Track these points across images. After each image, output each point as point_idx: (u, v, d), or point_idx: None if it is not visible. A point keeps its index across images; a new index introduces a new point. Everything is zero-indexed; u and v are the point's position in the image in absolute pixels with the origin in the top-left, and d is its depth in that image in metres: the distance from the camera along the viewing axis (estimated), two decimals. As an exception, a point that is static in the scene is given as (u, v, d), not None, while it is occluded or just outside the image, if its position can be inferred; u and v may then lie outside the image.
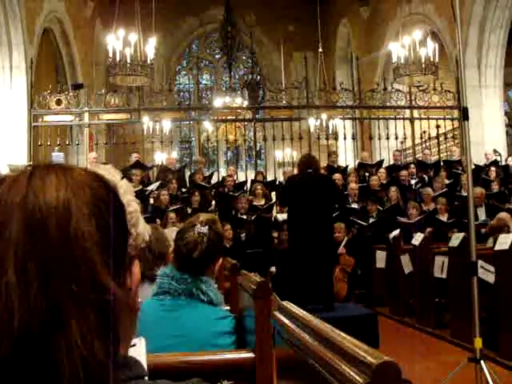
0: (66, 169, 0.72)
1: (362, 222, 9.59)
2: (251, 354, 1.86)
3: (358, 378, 0.70)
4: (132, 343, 0.87)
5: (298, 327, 1.06)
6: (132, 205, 1.09)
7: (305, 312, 1.11)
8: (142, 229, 1.12)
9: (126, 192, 1.09)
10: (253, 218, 9.67)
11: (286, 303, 1.23)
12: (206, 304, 2.22)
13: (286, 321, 1.15)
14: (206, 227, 2.28)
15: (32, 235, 0.65)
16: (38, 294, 0.63)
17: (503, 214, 7.67)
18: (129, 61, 10.80)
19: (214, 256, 2.31)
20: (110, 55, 10.97)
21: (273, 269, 8.54)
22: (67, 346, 0.62)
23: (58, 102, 11.69)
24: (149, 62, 11.14)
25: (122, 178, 1.15)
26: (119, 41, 10.86)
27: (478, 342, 3.87)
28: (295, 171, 9.36)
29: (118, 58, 10.83)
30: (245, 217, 9.71)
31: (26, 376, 0.61)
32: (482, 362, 3.78)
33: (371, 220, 9.72)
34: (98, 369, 0.62)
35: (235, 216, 9.85)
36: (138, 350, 0.79)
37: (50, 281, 0.63)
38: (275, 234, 9.65)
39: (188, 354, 1.90)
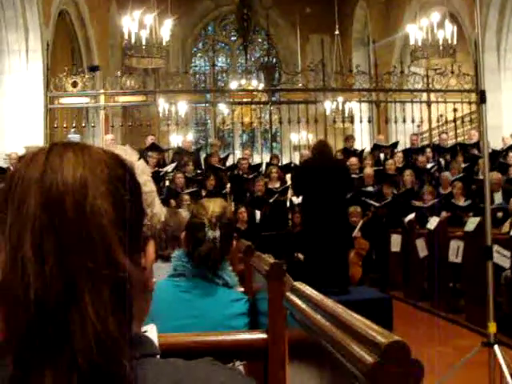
0: (83, 147, 0.73)
1: (374, 203, 9.56)
2: (264, 335, 1.87)
3: (367, 357, 0.71)
4: (143, 329, 0.88)
5: (309, 308, 1.06)
6: (148, 185, 1.10)
7: (317, 293, 1.11)
8: (157, 209, 1.12)
9: (143, 172, 1.10)
10: (270, 200, 9.66)
11: (298, 284, 1.23)
12: (220, 286, 2.23)
13: (299, 302, 1.15)
14: (218, 231, 2.21)
15: (49, 211, 0.66)
16: (53, 269, 0.64)
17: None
18: (144, 43, 10.79)
19: (227, 248, 2.29)
20: (126, 37, 10.97)
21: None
22: (81, 321, 0.63)
23: (74, 84, 11.74)
24: (164, 44, 11.11)
25: (139, 159, 1.15)
26: (135, 22, 10.84)
27: (493, 327, 3.86)
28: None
29: (133, 40, 10.82)
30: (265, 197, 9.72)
31: (40, 349, 0.63)
32: (495, 346, 3.77)
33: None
34: (110, 345, 0.63)
35: (254, 198, 9.84)
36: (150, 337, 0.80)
37: (65, 256, 0.64)
38: (290, 217, 9.67)
39: (201, 334, 1.91)
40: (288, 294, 1.26)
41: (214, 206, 2.27)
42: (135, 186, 0.76)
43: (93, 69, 12.80)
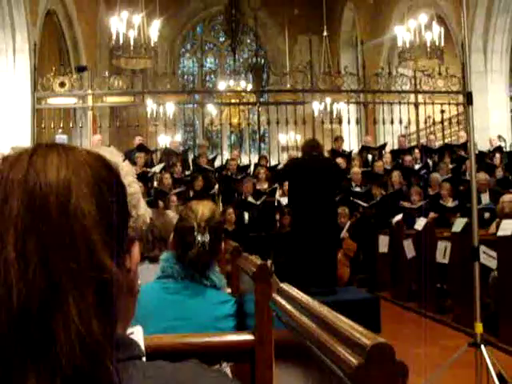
0: (67, 148, 0.73)
1: (362, 203, 9.59)
2: (250, 337, 1.87)
3: (352, 359, 0.71)
4: (129, 331, 0.88)
5: (295, 309, 1.06)
6: (133, 186, 1.09)
7: (303, 294, 1.11)
8: (142, 210, 1.12)
9: (128, 173, 1.09)
10: (258, 202, 9.66)
11: (284, 285, 1.23)
12: (208, 288, 2.23)
13: (285, 303, 1.15)
14: (207, 235, 2.20)
15: (32, 212, 0.65)
16: (36, 271, 0.63)
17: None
18: (132, 43, 10.75)
19: (216, 252, 2.28)
20: (114, 37, 10.93)
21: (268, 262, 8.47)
22: (65, 324, 0.62)
23: (62, 85, 11.68)
24: (152, 44, 11.09)
25: (124, 160, 1.15)
26: (123, 23, 10.81)
27: (479, 327, 3.88)
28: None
29: (121, 41, 10.78)
30: (253, 200, 9.71)
31: (22, 352, 0.62)
32: (482, 346, 3.79)
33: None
34: (94, 347, 0.63)
35: (243, 200, 9.83)
36: (135, 339, 0.79)
37: (48, 258, 0.64)
38: (278, 218, 9.67)
39: (188, 335, 1.91)
40: (274, 295, 1.26)
41: (203, 209, 2.25)
42: (120, 187, 0.76)
43: (80, 69, 12.74)
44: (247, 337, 1.89)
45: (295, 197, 7.03)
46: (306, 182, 6.75)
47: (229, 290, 2.56)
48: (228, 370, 2.04)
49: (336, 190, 7.41)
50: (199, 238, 2.19)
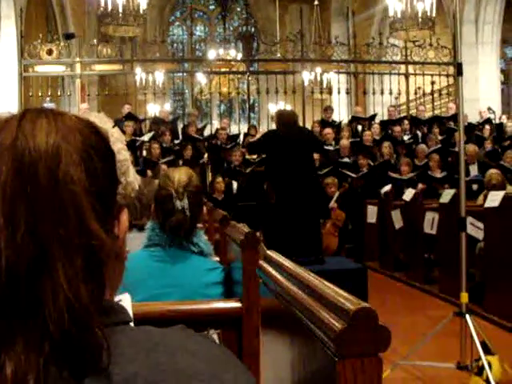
0: (57, 114, 0.72)
1: (351, 174, 9.60)
2: (238, 304, 1.89)
3: (336, 323, 0.72)
4: (117, 299, 0.88)
5: (282, 276, 1.08)
6: (122, 153, 1.09)
7: (289, 261, 1.12)
8: (131, 178, 1.12)
9: (117, 140, 1.09)
10: (247, 171, 9.66)
11: (271, 253, 1.24)
12: (196, 255, 2.24)
13: (272, 270, 1.17)
14: (186, 200, 2.22)
15: (21, 177, 0.65)
16: (25, 237, 0.63)
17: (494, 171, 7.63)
18: (121, 10, 10.60)
19: (198, 216, 2.30)
20: (102, 4, 10.76)
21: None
22: (53, 289, 0.62)
23: (49, 52, 11.51)
24: (141, 11, 10.94)
25: (114, 127, 1.15)
26: (111, -11, 10.65)
27: (464, 297, 3.94)
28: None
29: (109, 8, 10.62)
30: (241, 169, 9.71)
31: (11, 317, 0.62)
32: (467, 316, 3.85)
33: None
34: (82, 312, 0.63)
35: (231, 168, 9.83)
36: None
37: (37, 223, 0.64)
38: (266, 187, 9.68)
39: (175, 302, 1.93)
40: (261, 262, 1.27)
41: (179, 175, 2.28)
42: (109, 153, 0.76)
43: (68, 36, 12.53)
44: (235, 304, 1.91)
45: (275, 168, 6.97)
46: (285, 152, 6.71)
47: (217, 259, 2.58)
48: (215, 337, 2.07)
49: (313, 158, 7.39)
50: (178, 204, 2.21)
